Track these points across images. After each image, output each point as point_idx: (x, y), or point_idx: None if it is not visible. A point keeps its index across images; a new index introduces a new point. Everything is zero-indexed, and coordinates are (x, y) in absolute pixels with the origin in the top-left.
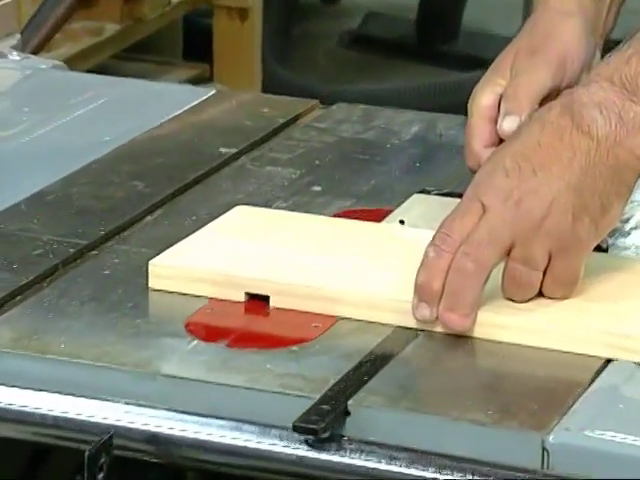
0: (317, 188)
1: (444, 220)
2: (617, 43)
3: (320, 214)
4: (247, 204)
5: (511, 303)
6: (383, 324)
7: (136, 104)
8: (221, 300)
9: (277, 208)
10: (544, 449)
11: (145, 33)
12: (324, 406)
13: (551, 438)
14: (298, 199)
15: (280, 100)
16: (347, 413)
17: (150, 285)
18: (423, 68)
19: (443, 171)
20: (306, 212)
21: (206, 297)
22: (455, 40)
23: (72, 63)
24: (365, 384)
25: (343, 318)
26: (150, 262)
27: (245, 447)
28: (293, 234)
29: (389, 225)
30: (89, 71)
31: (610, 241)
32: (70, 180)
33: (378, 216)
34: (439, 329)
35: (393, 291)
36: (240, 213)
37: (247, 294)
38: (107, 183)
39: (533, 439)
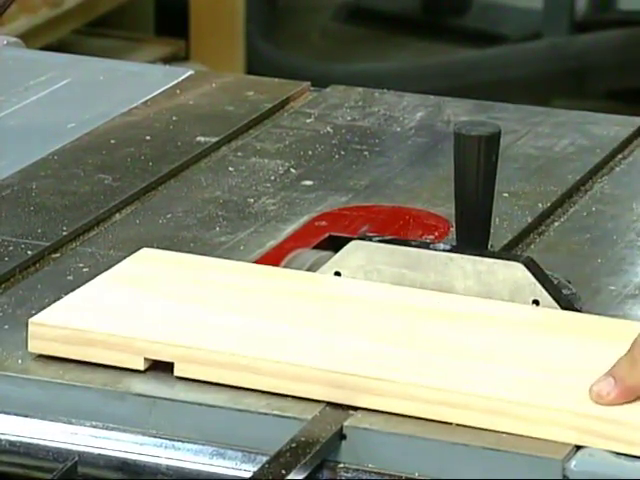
0: (308, 182)
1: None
2: None
3: (312, 212)
4: (228, 201)
5: (470, 377)
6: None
7: (103, 86)
8: None
9: (264, 205)
10: (564, 477)
11: (112, 5)
12: None
13: (573, 465)
14: (287, 195)
15: (266, 82)
16: (343, 437)
17: (30, 348)
18: (429, 45)
19: (451, 163)
20: (297, 209)
21: (100, 363)
22: (466, 13)
23: (28, 38)
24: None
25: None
26: (30, 320)
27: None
28: (205, 287)
29: (322, 277)
30: (48, 48)
31: None
32: (29, 173)
33: (377, 214)
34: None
35: (321, 360)
36: (144, 258)
37: (147, 360)
38: (70, 176)
39: (552, 465)
